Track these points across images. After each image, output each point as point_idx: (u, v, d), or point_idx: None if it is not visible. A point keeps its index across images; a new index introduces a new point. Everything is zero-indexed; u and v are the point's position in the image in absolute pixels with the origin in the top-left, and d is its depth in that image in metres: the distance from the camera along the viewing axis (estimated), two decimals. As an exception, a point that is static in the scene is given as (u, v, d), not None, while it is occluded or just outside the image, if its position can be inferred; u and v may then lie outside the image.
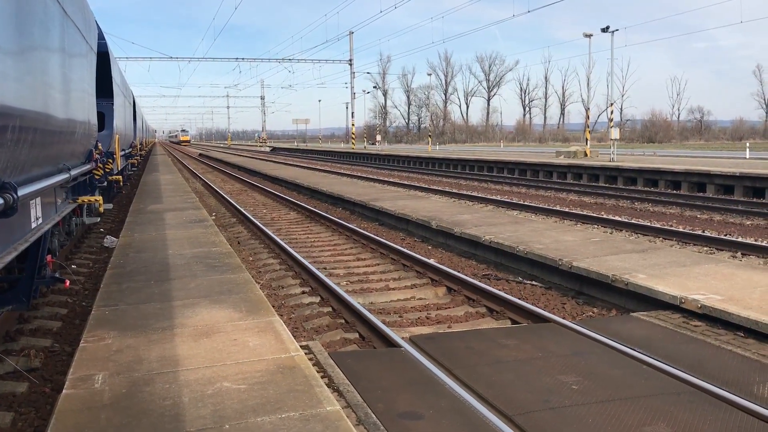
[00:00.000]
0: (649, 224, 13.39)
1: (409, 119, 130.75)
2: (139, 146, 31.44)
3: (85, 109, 7.69)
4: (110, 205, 10.87)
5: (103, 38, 13.13)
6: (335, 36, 54.56)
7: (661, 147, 64.06)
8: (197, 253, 9.07)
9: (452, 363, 5.39)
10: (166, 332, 5.42)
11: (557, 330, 6.28)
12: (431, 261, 9.77)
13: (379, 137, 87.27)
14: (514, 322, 7.08)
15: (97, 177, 9.55)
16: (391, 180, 27.67)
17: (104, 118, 12.74)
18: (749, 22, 72.51)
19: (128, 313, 6.04)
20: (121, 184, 15.18)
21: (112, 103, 13.45)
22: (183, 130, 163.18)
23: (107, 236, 12.62)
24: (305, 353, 5.04)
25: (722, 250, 10.70)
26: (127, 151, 19.44)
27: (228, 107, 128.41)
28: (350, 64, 63.08)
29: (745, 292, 6.73)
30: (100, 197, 8.83)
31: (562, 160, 30.15)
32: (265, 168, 36.55)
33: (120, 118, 15.39)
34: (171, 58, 58.84)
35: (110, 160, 11.43)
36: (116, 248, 9.76)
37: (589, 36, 34.49)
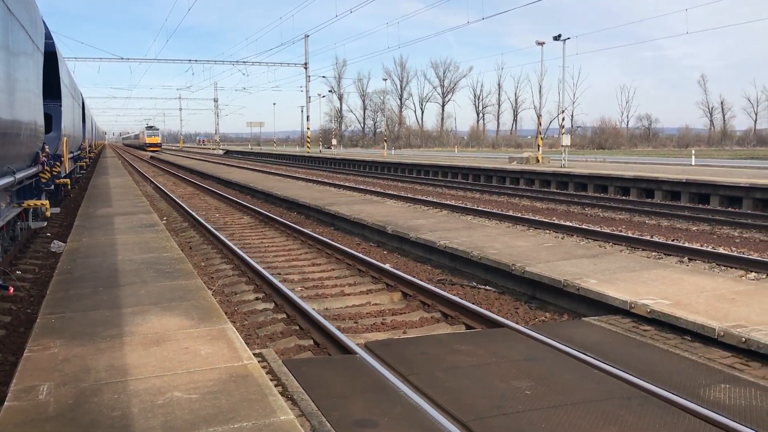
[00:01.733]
0: (599, 229, 13.64)
1: (364, 124, 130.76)
2: (88, 148, 30.76)
3: (31, 111, 7.47)
4: (57, 209, 10.61)
5: (51, 38, 12.82)
6: (290, 39, 54.36)
7: (611, 153, 65.48)
8: (147, 259, 8.88)
9: (407, 369, 5.38)
10: (115, 340, 5.29)
11: (511, 335, 6.34)
12: (387, 266, 9.76)
13: (334, 141, 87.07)
14: (468, 327, 7.12)
15: (43, 180, 9.32)
16: (346, 184, 27.62)
17: (52, 119, 12.42)
18: (695, 33, 74.89)
19: (75, 320, 5.88)
20: (69, 187, 14.82)
21: (60, 105, 13.13)
22: (150, 127, 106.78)
23: (54, 241, 12.27)
24: (258, 361, 4.97)
25: (670, 255, 10.97)
26: (75, 154, 18.99)
27: (180, 109, 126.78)
28: (305, 68, 62.91)
29: (692, 297, 6.91)
30: (47, 201, 8.62)
31: (514, 166, 30.54)
32: (218, 171, 36.10)
33: (68, 120, 15.02)
34: (122, 58, 57.86)
35: (58, 163, 11.14)
36: (63, 253, 9.49)
37: (541, 44, 35.03)
